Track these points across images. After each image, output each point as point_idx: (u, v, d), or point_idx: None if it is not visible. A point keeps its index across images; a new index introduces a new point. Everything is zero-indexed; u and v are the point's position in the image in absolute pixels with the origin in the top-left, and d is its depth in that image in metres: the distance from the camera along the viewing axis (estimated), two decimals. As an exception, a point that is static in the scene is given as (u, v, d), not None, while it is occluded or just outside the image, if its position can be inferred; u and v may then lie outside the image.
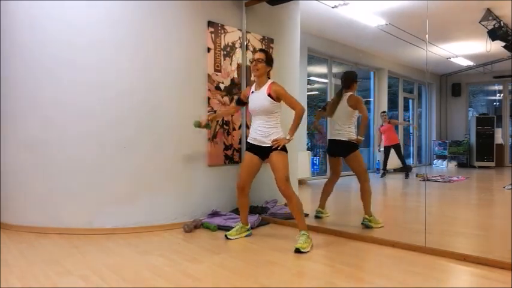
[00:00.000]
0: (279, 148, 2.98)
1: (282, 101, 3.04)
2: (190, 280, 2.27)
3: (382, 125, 6.34)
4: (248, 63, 4.14)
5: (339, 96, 3.66)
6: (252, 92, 3.15)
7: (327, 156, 3.85)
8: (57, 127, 3.35)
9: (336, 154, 3.71)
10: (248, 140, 3.19)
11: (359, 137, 3.57)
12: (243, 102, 3.33)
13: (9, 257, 2.67)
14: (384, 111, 6.54)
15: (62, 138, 3.35)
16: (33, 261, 2.59)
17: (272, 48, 4.43)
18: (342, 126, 3.59)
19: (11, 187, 3.52)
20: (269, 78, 3.16)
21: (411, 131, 7.70)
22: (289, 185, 2.98)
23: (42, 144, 3.37)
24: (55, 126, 3.36)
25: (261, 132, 3.06)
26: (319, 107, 3.99)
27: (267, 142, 3.03)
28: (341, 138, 3.59)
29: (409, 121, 7.81)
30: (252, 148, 3.14)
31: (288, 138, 3.01)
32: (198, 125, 3.37)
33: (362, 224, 3.50)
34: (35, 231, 3.33)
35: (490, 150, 7.62)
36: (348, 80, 3.64)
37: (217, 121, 3.89)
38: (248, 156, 3.16)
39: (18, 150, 3.46)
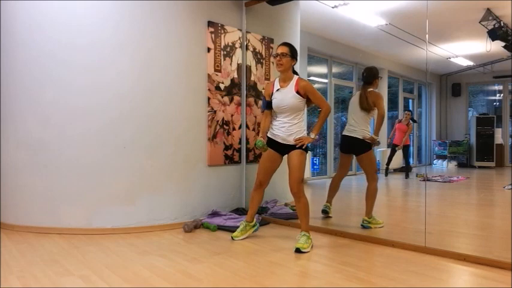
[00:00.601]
0: (302, 147, 2.93)
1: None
2: (190, 280, 2.27)
3: (400, 122, 6.33)
4: (249, 63, 4.15)
5: (364, 90, 3.53)
6: (277, 89, 3.00)
7: (339, 151, 3.78)
8: (57, 127, 3.35)
9: (349, 151, 3.66)
10: (269, 135, 3.08)
11: (374, 136, 3.50)
12: (269, 105, 3.09)
13: (9, 257, 2.67)
14: (410, 111, 6.54)
15: (62, 138, 3.35)
16: (33, 261, 2.59)
17: (272, 48, 4.43)
18: (358, 122, 3.52)
19: (11, 187, 3.52)
20: (295, 73, 3.04)
21: (411, 133, 7.70)
22: (301, 187, 2.94)
23: (42, 144, 3.37)
24: (55, 126, 3.35)
25: (285, 129, 2.96)
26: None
27: (290, 140, 2.96)
28: (355, 136, 3.51)
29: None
30: (273, 144, 3.05)
31: (312, 137, 2.95)
32: (262, 144, 3.04)
33: (361, 225, 3.49)
34: (35, 231, 3.33)
35: (490, 150, 7.62)
36: (370, 75, 3.55)
37: (217, 121, 3.89)
38: (269, 152, 3.07)
39: (18, 150, 3.46)
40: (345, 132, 3.63)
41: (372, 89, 3.54)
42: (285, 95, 2.95)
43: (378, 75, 3.59)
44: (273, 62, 3.01)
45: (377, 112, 3.53)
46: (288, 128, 2.96)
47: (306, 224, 2.95)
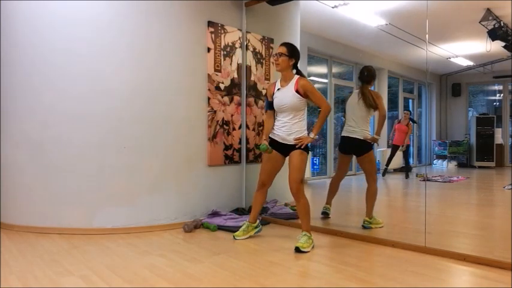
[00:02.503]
0: (302, 147, 2.93)
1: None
2: (190, 280, 2.27)
3: (400, 122, 6.34)
4: (249, 63, 4.15)
5: (365, 88, 3.50)
6: (278, 89, 3.01)
7: (338, 152, 3.77)
8: (57, 127, 3.35)
9: (349, 152, 3.64)
10: (270, 135, 3.10)
11: (375, 136, 3.48)
12: (271, 105, 3.10)
13: (9, 257, 2.67)
14: (409, 111, 6.55)
15: (62, 138, 3.35)
16: (33, 261, 2.59)
17: (272, 48, 4.43)
18: (358, 122, 3.49)
19: (11, 187, 3.52)
20: (297, 71, 3.03)
21: (411, 133, 7.71)
22: (301, 187, 2.94)
23: (42, 144, 3.37)
24: (55, 126, 3.35)
25: (285, 129, 2.97)
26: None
27: (290, 140, 2.96)
28: (356, 136, 3.48)
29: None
30: (274, 144, 3.06)
31: (311, 136, 2.94)
32: (265, 148, 3.01)
33: (362, 226, 3.49)
34: (35, 231, 3.33)
35: (490, 150, 7.62)
36: (370, 75, 3.55)
37: (217, 121, 3.89)
38: (272, 153, 3.06)
39: (18, 150, 3.46)
40: (344, 133, 3.60)
41: (371, 89, 3.54)
42: (284, 94, 2.96)
43: (375, 75, 3.60)
44: (272, 62, 3.01)
45: (378, 112, 3.52)
46: (289, 127, 2.96)
47: (306, 224, 2.95)
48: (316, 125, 2.96)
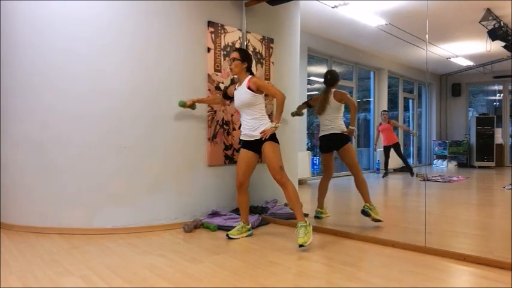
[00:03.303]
0: (267, 138, 3.05)
1: (264, 93, 3.14)
2: (190, 280, 2.27)
3: (381, 124, 6.35)
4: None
5: (326, 93, 3.74)
6: (235, 89, 3.25)
7: (320, 153, 3.90)
8: (57, 127, 3.35)
9: (329, 149, 3.76)
10: (240, 137, 3.27)
11: (351, 127, 3.64)
12: (227, 96, 3.45)
13: (9, 257, 2.67)
14: (385, 110, 6.54)
15: (62, 138, 3.35)
16: (33, 261, 2.59)
17: (272, 48, 4.43)
18: (332, 120, 3.68)
19: (11, 187, 3.52)
20: (252, 73, 3.23)
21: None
22: (283, 174, 3.04)
23: (42, 144, 3.37)
24: (55, 126, 3.35)
25: (249, 126, 3.14)
26: (306, 103, 4.05)
27: (256, 135, 3.10)
28: (333, 132, 3.66)
29: (409, 126, 7.82)
30: (245, 144, 3.21)
31: (273, 126, 3.06)
32: (183, 104, 3.50)
33: (362, 210, 3.47)
34: (35, 231, 3.33)
35: (490, 150, 7.63)
36: (333, 78, 3.77)
37: (217, 121, 3.89)
38: (243, 152, 3.22)
39: (18, 150, 3.46)
40: (321, 133, 3.78)
41: (335, 89, 3.74)
42: (239, 93, 3.18)
43: (339, 78, 3.83)
44: (229, 68, 3.21)
45: (350, 106, 3.70)
46: (252, 124, 3.12)
47: (300, 212, 2.97)
48: (276, 114, 3.12)
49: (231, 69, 3.21)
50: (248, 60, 3.21)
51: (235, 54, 3.18)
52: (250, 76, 3.17)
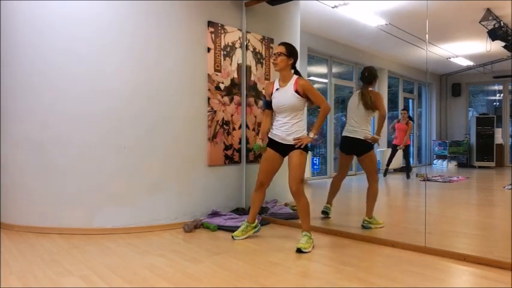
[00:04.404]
0: (301, 147, 2.93)
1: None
2: (190, 280, 2.27)
3: (399, 121, 6.33)
4: (249, 63, 4.15)
5: (362, 92, 3.54)
6: (277, 88, 3.01)
7: (339, 152, 3.77)
8: (57, 127, 3.35)
9: (350, 152, 3.65)
10: (269, 136, 3.10)
11: (375, 136, 3.48)
12: (269, 104, 3.11)
13: (9, 257, 2.67)
14: (406, 110, 6.54)
15: (62, 138, 3.35)
16: (33, 261, 2.59)
17: (272, 48, 4.43)
18: (359, 123, 3.51)
19: (11, 187, 3.52)
20: (296, 71, 3.04)
21: (411, 132, 7.70)
22: (301, 187, 2.94)
23: (42, 144, 3.37)
24: (55, 126, 3.35)
25: (284, 129, 2.97)
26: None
27: (289, 140, 2.96)
28: (357, 136, 3.50)
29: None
30: (273, 144, 3.06)
31: (311, 136, 2.95)
32: (259, 147, 3.15)
33: (362, 226, 3.49)
34: (35, 231, 3.33)
35: (490, 150, 7.62)
36: (371, 75, 3.58)
37: (217, 121, 3.89)
38: (269, 152, 3.07)
39: (18, 150, 3.46)
40: (345, 133, 3.61)
41: (371, 89, 3.55)
42: (284, 94, 2.96)
43: (377, 75, 3.63)
44: (272, 62, 3.01)
45: (378, 112, 3.53)
46: (288, 127, 2.96)
47: (307, 224, 2.95)
48: (315, 125, 2.97)
49: (275, 64, 2.95)
50: (294, 56, 2.99)
51: (280, 48, 2.95)
52: (296, 77, 2.97)
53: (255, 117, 4.24)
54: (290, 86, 2.94)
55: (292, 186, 2.93)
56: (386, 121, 3.69)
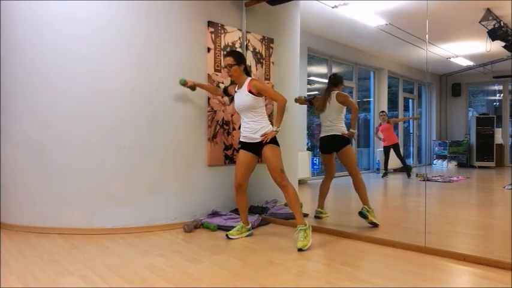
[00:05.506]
0: (268, 141, 3.03)
1: (264, 96, 3.12)
2: (190, 280, 2.27)
3: (380, 124, 6.36)
4: (249, 63, 4.15)
5: (327, 93, 3.76)
6: (236, 91, 3.21)
7: (320, 154, 3.91)
8: (57, 127, 3.35)
9: (329, 150, 3.77)
10: (240, 139, 3.25)
11: (351, 130, 3.66)
12: (227, 93, 3.43)
13: (9, 257, 2.67)
14: (383, 111, 6.55)
15: (62, 138, 3.35)
16: (33, 261, 2.59)
17: (272, 48, 4.43)
18: (333, 122, 3.70)
19: (11, 187, 3.52)
20: (247, 73, 3.20)
21: (411, 131, 7.71)
22: (284, 176, 3.04)
23: (42, 144, 3.37)
24: (55, 126, 3.35)
25: (249, 129, 3.12)
26: (308, 100, 4.09)
27: (257, 138, 3.08)
28: (333, 133, 3.69)
29: (409, 126, 7.83)
30: (244, 146, 3.19)
31: (274, 130, 3.06)
32: (184, 82, 3.46)
33: (360, 212, 3.47)
34: (35, 231, 3.33)
35: (490, 150, 7.63)
36: (336, 80, 3.81)
37: (217, 121, 3.89)
38: (242, 154, 3.20)
39: (18, 150, 3.46)
40: (322, 134, 3.80)
41: (338, 91, 3.74)
42: (240, 96, 3.13)
43: (342, 82, 3.86)
44: (228, 75, 3.19)
45: (352, 108, 3.74)
46: (252, 126, 3.10)
47: (299, 215, 2.98)
48: (276, 118, 3.10)
49: (230, 75, 3.15)
50: (244, 61, 3.17)
51: (229, 60, 3.09)
52: (250, 79, 3.13)
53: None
54: (244, 87, 3.10)
55: (276, 177, 3.03)
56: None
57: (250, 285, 2.19)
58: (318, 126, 4.46)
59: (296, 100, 4.19)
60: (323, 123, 3.78)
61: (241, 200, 3.27)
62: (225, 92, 3.47)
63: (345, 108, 3.73)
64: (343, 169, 3.82)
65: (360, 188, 3.59)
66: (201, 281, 2.26)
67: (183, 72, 3.66)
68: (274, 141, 3.08)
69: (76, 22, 3.34)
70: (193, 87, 3.54)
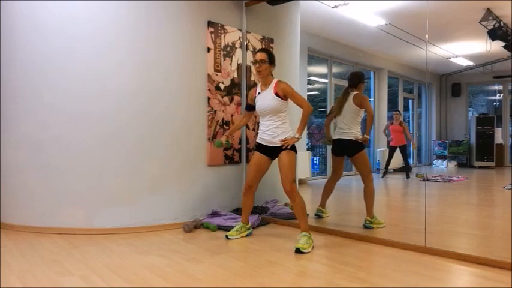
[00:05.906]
0: (288, 148, 2.97)
1: (289, 99, 3.02)
2: (190, 280, 2.27)
3: (392, 123, 6.34)
4: (249, 63, 4.15)
5: (345, 94, 3.66)
6: (259, 92, 3.10)
7: (331, 155, 3.82)
8: (57, 127, 3.35)
9: (342, 154, 3.69)
10: (257, 140, 3.17)
11: (365, 136, 3.55)
12: (252, 107, 3.21)
13: (9, 257, 2.67)
14: (398, 111, 6.53)
15: (62, 138, 3.35)
16: (33, 261, 2.59)
17: (272, 48, 4.43)
18: (348, 125, 3.58)
19: (11, 187, 3.52)
20: (272, 76, 3.12)
21: (411, 131, 7.70)
22: (294, 186, 2.98)
23: (42, 144, 3.37)
24: (55, 126, 3.36)
25: (270, 132, 3.03)
26: (320, 107, 3.99)
27: (276, 142, 3.01)
28: (347, 138, 3.57)
29: (409, 126, 7.81)
30: (261, 148, 3.12)
31: (296, 137, 2.99)
32: (220, 144, 3.26)
33: (364, 225, 3.50)
34: (35, 231, 3.33)
35: (490, 150, 7.62)
36: (355, 79, 3.66)
37: (217, 121, 3.89)
38: (257, 156, 3.14)
39: (18, 150, 3.46)
40: (335, 136, 3.69)
41: (357, 92, 3.61)
42: (265, 98, 3.03)
43: (363, 79, 3.71)
44: (256, 70, 3.04)
45: (367, 113, 3.62)
46: (273, 130, 3.02)
47: (304, 223, 2.96)
48: (300, 125, 3.01)
49: (258, 71, 3.01)
50: (275, 63, 3.08)
51: (262, 56, 2.99)
52: (277, 80, 3.03)
53: (255, 117, 4.24)
54: (270, 89, 3.01)
55: (286, 186, 2.97)
56: (375, 121, 3.75)
57: (250, 285, 2.19)
58: (317, 126, 4.44)
59: (325, 142, 3.96)
60: (338, 124, 3.66)
61: (248, 200, 3.24)
62: (249, 108, 3.26)
63: (362, 111, 3.58)
64: (347, 169, 3.80)
65: (368, 197, 3.53)
66: (201, 281, 2.26)
67: (183, 72, 3.67)
68: (292, 147, 3.01)
69: (76, 22, 3.34)
70: (229, 142, 3.31)
